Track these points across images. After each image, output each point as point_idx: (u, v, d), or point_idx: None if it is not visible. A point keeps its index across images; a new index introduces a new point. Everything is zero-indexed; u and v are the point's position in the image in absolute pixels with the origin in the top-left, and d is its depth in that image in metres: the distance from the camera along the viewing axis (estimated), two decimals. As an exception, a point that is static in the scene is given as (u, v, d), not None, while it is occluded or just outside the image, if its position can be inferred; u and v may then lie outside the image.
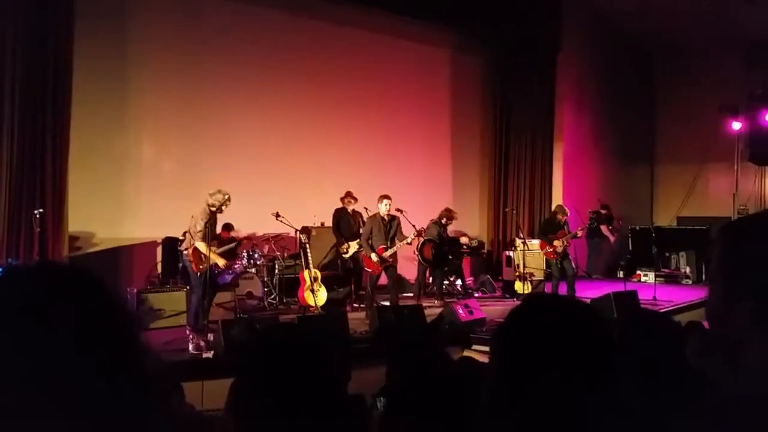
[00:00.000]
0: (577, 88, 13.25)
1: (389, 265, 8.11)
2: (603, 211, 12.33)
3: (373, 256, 8.05)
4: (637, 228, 13.07)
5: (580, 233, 9.10)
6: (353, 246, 8.61)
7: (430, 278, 9.62)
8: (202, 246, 6.76)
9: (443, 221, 9.18)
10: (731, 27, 12.67)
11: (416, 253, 9.02)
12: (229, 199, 6.88)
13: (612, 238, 11.21)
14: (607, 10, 12.87)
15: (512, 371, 1.02)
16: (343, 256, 8.67)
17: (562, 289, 9.24)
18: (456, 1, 10.72)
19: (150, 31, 8.79)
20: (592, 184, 13.62)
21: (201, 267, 6.88)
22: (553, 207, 10.43)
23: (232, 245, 7.12)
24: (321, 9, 10.08)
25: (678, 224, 14.49)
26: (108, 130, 8.54)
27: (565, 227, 9.20)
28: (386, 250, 8.05)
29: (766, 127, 12.81)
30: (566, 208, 9.56)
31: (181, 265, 7.33)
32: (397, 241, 8.10)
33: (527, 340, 1.03)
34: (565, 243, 9.05)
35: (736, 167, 13.63)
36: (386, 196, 8.19)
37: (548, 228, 9.41)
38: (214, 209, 6.84)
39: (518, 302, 1.17)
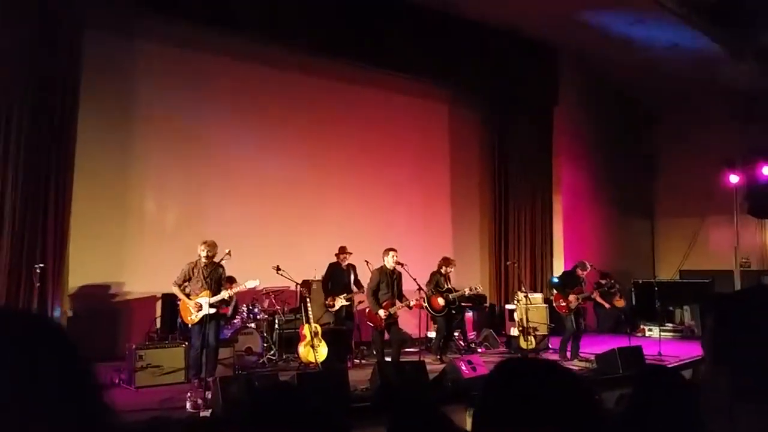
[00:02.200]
0: (574, 142, 13.42)
1: (392, 321, 8.02)
2: (602, 281, 12.28)
3: (381, 313, 7.96)
4: (640, 282, 12.99)
5: (596, 296, 8.96)
6: (340, 300, 8.50)
7: (433, 332, 9.49)
8: (175, 290, 7.14)
9: (443, 270, 9.13)
10: (727, 82, 12.93)
11: (425, 306, 8.89)
12: (207, 246, 7.05)
13: (607, 306, 11.05)
14: (603, 65, 13.16)
15: None
16: (329, 310, 8.57)
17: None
18: (453, 57, 10.99)
19: (154, 87, 8.98)
20: (592, 237, 13.62)
21: (190, 318, 7.01)
22: (576, 262, 10.07)
23: (224, 296, 7.08)
24: (322, 67, 10.33)
25: (681, 278, 14.41)
26: (110, 184, 8.62)
27: (583, 284, 9.06)
28: (393, 305, 7.98)
29: (763, 181, 12.92)
30: (588, 265, 9.24)
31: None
32: (398, 301, 8.06)
33: (506, 409, 1.01)
34: (579, 300, 8.93)
35: (736, 220, 13.66)
36: (392, 249, 8.19)
37: (567, 281, 9.23)
38: (200, 259, 7.10)
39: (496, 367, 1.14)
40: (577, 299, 8.89)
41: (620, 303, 11.67)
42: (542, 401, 0.98)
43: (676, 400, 1.76)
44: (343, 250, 8.75)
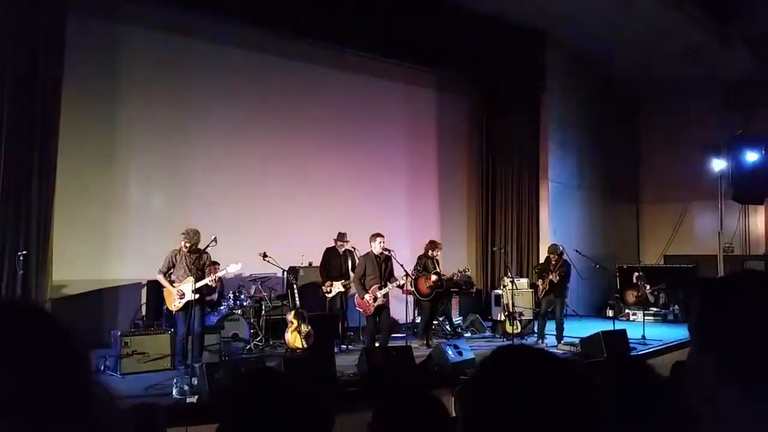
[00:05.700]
0: (561, 128, 13.44)
1: (383, 307, 8.01)
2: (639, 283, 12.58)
3: (367, 297, 7.96)
4: (625, 266, 13.10)
5: (554, 278, 9.07)
6: (337, 285, 8.50)
7: (419, 317, 9.51)
8: (159, 278, 7.13)
9: (429, 253, 9.16)
10: (711, 68, 12.99)
11: (412, 290, 8.89)
12: (185, 236, 7.02)
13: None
14: (590, 51, 13.16)
15: (481, 427, 0.98)
16: (326, 295, 8.56)
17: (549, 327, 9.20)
18: (441, 42, 10.93)
19: (138, 73, 8.86)
20: (578, 222, 13.69)
21: (173, 305, 7.01)
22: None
23: (206, 281, 7.05)
24: (308, 52, 10.24)
25: (665, 263, 14.56)
26: (94, 171, 8.53)
27: (551, 267, 9.18)
28: (380, 289, 7.98)
29: (747, 167, 13.02)
30: (558, 247, 9.37)
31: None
32: (389, 282, 8.05)
33: (497, 395, 0.99)
34: (544, 285, 9.12)
35: (720, 206, 13.79)
36: (379, 234, 8.16)
37: (542, 267, 9.57)
38: (182, 247, 7.08)
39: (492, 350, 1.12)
40: (542, 283, 9.19)
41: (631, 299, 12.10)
42: (542, 391, 0.96)
43: (639, 390, 1.74)
44: (341, 237, 8.69)
